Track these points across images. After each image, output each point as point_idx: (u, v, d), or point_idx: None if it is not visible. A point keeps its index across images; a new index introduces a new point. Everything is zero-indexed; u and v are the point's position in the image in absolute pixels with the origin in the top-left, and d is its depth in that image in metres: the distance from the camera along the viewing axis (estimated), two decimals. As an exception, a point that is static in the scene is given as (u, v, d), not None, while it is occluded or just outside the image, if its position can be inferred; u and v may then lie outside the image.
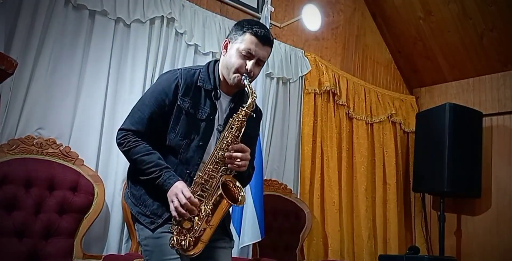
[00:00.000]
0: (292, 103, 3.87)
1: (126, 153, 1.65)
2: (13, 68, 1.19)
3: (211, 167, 1.62)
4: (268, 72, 3.60)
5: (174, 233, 1.56)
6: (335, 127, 4.07)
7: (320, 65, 4.06)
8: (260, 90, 3.24)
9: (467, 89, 4.66)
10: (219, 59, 1.77)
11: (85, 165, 2.59)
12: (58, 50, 2.65)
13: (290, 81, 3.85)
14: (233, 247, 1.83)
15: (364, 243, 4.08)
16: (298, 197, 3.67)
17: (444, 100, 4.67)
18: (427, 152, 4.27)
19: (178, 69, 1.73)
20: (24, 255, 2.24)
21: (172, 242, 1.55)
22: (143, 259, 1.69)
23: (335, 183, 3.94)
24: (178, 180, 1.59)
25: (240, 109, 1.65)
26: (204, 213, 1.58)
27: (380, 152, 4.46)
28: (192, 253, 1.57)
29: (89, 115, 2.71)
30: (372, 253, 4.10)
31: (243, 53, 1.65)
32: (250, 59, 1.66)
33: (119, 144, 1.67)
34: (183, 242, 1.56)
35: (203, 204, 1.59)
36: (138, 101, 1.72)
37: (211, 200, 1.60)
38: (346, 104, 4.21)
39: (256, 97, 1.67)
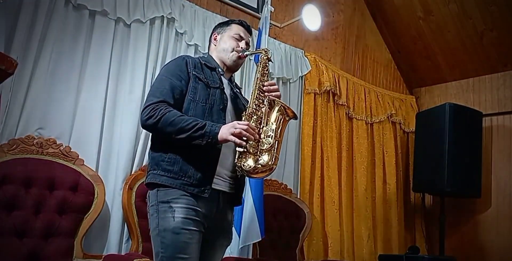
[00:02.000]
0: (292, 103, 3.87)
1: (159, 121, 1.66)
2: (13, 68, 1.19)
3: (254, 98, 1.83)
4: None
5: (243, 161, 1.69)
6: (335, 127, 4.08)
7: (320, 65, 4.07)
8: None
9: (467, 89, 4.66)
10: (208, 54, 2.04)
11: (85, 165, 2.59)
12: (58, 50, 2.65)
13: (290, 81, 3.85)
14: (229, 245, 1.91)
15: (364, 243, 4.08)
16: (298, 197, 3.68)
17: (444, 100, 4.67)
18: (427, 152, 4.27)
19: (181, 55, 1.95)
20: (24, 255, 2.24)
21: (249, 163, 1.69)
22: (154, 248, 1.69)
23: (335, 183, 3.94)
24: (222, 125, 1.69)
25: (261, 58, 1.97)
26: (267, 131, 1.76)
27: (380, 152, 4.46)
28: (267, 173, 1.73)
29: (89, 115, 2.71)
30: (372, 253, 4.10)
31: (235, 37, 1.99)
32: (240, 41, 1.99)
33: (148, 118, 1.68)
34: (258, 164, 1.69)
35: (262, 127, 1.78)
36: (153, 84, 1.84)
37: (270, 120, 1.80)
38: (346, 104, 4.21)
39: (268, 49, 2.03)
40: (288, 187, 3.61)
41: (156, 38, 3.03)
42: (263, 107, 1.84)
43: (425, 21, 4.52)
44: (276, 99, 1.87)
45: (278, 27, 3.86)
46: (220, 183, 1.78)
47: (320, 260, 3.67)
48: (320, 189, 3.84)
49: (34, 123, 2.53)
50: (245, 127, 1.65)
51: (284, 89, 3.83)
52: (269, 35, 3.42)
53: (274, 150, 1.75)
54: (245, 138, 1.65)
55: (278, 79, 3.77)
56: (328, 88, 4.02)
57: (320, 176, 3.86)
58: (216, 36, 2.03)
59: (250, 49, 2.05)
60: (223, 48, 1.98)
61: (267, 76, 1.95)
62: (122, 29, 2.91)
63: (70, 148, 2.59)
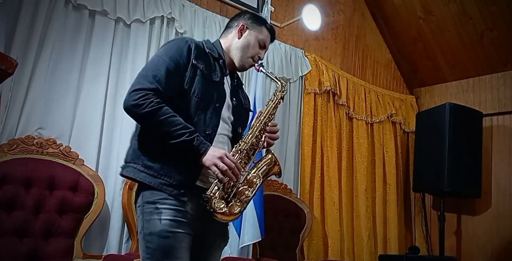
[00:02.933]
0: (292, 103, 3.87)
1: (148, 114, 1.49)
2: (13, 68, 1.19)
3: (252, 137, 1.68)
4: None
5: (213, 197, 1.52)
6: (335, 127, 4.08)
7: (320, 65, 4.07)
8: (260, 90, 3.25)
9: (467, 89, 4.66)
10: (218, 40, 1.85)
11: (85, 165, 2.59)
12: (58, 50, 2.65)
13: (290, 81, 3.85)
14: (226, 245, 1.80)
15: (364, 243, 4.08)
16: (298, 197, 3.67)
17: (444, 100, 4.67)
18: (427, 152, 4.27)
19: (185, 37, 1.79)
20: (24, 255, 2.24)
21: (217, 204, 1.53)
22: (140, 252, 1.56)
23: (335, 183, 3.94)
24: (211, 146, 1.56)
25: (275, 94, 1.81)
26: (253, 178, 1.63)
27: (380, 152, 4.46)
28: (232, 218, 1.59)
29: (89, 115, 2.71)
30: (372, 253, 4.10)
31: (260, 43, 1.79)
32: (262, 49, 1.81)
33: (136, 106, 1.49)
34: (225, 208, 1.55)
35: (246, 169, 1.65)
36: (147, 64, 1.63)
37: (258, 167, 1.69)
38: (346, 104, 4.21)
39: (285, 84, 1.89)
40: (288, 187, 3.61)
41: (156, 38, 3.03)
42: (257, 148, 1.72)
43: (425, 21, 4.52)
44: (271, 150, 1.78)
45: (278, 27, 3.86)
46: (206, 181, 1.61)
47: (320, 260, 3.67)
48: (320, 189, 3.84)
49: (34, 123, 2.53)
50: (232, 165, 1.52)
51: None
52: (269, 35, 3.42)
53: (246, 203, 1.61)
54: (226, 178, 1.52)
55: (274, 116, 3.75)
56: (328, 88, 4.02)
57: (320, 176, 3.86)
58: (243, 28, 1.79)
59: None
60: (243, 48, 1.77)
61: (274, 115, 1.80)
62: (122, 29, 2.91)
63: (70, 148, 2.59)
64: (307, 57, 4.00)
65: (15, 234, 2.25)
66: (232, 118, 1.73)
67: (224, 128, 1.69)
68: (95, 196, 2.53)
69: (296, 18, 3.89)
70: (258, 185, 1.66)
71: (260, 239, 3.01)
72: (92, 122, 2.72)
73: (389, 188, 4.44)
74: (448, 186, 3.98)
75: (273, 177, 3.53)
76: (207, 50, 1.72)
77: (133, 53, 2.92)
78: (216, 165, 1.51)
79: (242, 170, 1.60)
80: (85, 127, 2.70)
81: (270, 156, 1.75)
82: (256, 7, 3.72)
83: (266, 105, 1.80)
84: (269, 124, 1.75)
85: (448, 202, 4.36)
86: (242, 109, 1.80)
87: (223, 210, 1.54)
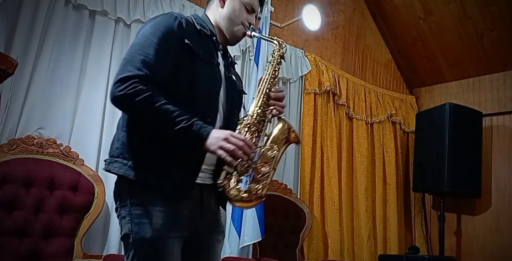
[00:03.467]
0: (292, 103, 3.87)
1: (139, 105, 1.32)
2: (13, 68, 1.19)
3: (258, 108, 1.49)
4: (268, 72, 3.59)
5: (229, 184, 1.38)
6: (335, 127, 4.08)
7: (320, 65, 4.07)
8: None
9: (467, 89, 4.66)
10: (204, 13, 1.67)
11: (85, 165, 2.59)
12: (58, 50, 2.65)
13: (290, 81, 3.85)
14: (224, 237, 1.70)
15: (364, 243, 4.08)
16: (298, 197, 3.68)
17: (444, 100, 4.67)
18: (427, 152, 4.27)
19: (173, 12, 1.53)
20: (24, 255, 2.24)
21: (233, 192, 1.38)
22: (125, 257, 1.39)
23: (335, 183, 3.94)
24: (213, 128, 1.38)
25: (272, 55, 1.61)
26: (269, 151, 1.47)
27: (380, 152, 4.46)
28: (253, 204, 1.45)
29: (89, 115, 2.71)
30: (372, 252, 4.10)
31: (247, 7, 1.61)
32: (251, 14, 1.63)
33: (124, 97, 1.32)
34: (244, 193, 1.40)
35: (259, 145, 1.46)
36: (133, 45, 1.42)
37: (271, 139, 1.50)
38: (346, 104, 4.21)
39: (283, 41, 1.64)
40: (288, 187, 3.61)
41: (156, 38, 3.03)
42: (266, 119, 1.52)
43: (425, 21, 4.52)
44: (283, 116, 1.55)
45: (278, 27, 3.86)
46: (201, 176, 1.46)
47: (320, 260, 3.67)
48: (320, 189, 3.84)
49: (34, 123, 2.53)
50: (241, 143, 1.33)
51: (284, 89, 3.82)
52: (269, 35, 3.42)
53: (268, 180, 1.45)
54: (238, 158, 1.34)
55: (278, 79, 3.76)
56: (328, 88, 4.02)
57: (320, 176, 3.86)
58: None
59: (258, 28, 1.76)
60: (229, 16, 1.59)
61: (277, 78, 1.60)
62: (122, 29, 2.91)
63: (70, 148, 2.59)
64: (307, 57, 4.00)
65: (15, 234, 2.25)
66: (227, 100, 1.56)
67: (222, 113, 1.54)
68: (95, 196, 2.53)
69: (296, 18, 3.89)
70: (277, 158, 1.49)
71: (260, 239, 3.01)
72: (92, 122, 2.72)
73: (389, 188, 4.44)
74: (448, 186, 3.98)
75: (273, 177, 3.57)
76: (198, 27, 1.53)
77: (133, 53, 2.91)
78: (222, 148, 1.32)
79: (254, 146, 1.41)
80: (85, 127, 2.70)
81: (281, 124, 1.53)
82: (256, 7, 3.72)
83: (266, 69, 1.59)
84: (273, 89, 1.55)
85: (448, 202, 4.36)
86: (236, 90, 1.63)
87: (242, 196, 1.40)
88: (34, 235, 2.30)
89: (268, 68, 1.59)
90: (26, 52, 2.51)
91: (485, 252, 4.25)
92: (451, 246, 4.40)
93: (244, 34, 1.62)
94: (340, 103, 4.17)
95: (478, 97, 4.55)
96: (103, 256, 2.51)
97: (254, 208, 2.98)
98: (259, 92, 1.53)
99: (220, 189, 1.39)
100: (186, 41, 1.44)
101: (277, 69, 1.59)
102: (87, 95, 2.73)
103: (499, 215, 4.25)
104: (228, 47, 1.71)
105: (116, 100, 1.36)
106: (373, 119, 4.45)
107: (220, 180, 1.39)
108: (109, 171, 1.44)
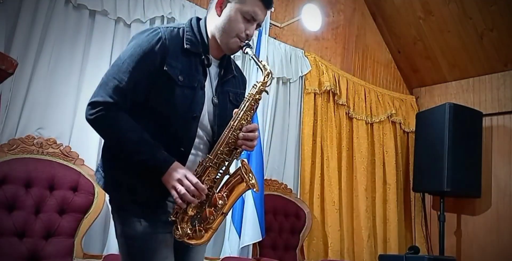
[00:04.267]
0: (292, 103, 3.87)
1: (104, 132, 1.39)
2: (13, 68, 1.19)
3: (222, 149, 1.44)
4: (268, 72, 3.59)
5: (178, 221, 1.40)
6: (335, 127, 4.08)
7: (320, 65, 4.07)
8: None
9: (467, 89, 4.66)
10: (206, 16, 1.56)
11: (85, 165, 2.59)
12: (58, 50, 2.65)
13: (290, 81, 3.85)
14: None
15: (364, 243, 4.08)
16: (298, 197, 3.68)
17: (444, 100, 4.67)
18: (427, 152, 4.27)
19: (159, 28, 1.46)
20: (24, 255, 2.24)
21: (178, 232, 1.39)
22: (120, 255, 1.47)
23: (335, 183, 3.94)
24: (174, 161, 1.38)
25: (254, 86, 1.49)
26: (218, 200, 1.43)
27: (380, 152, 4.46)
28: (202, 241, 1.43)
29: (89, 115, 2.71)
30: (372, 252, 4.10)
31: (245, 16, 1.48)
32: (250, 23, 1.50)
33: (92, 121, 1.38)
34: (190, 232, 1.41)
35: (213, 188, 1.44)
36: (112, 65, 1.43)
37: (224, 184, 1.46)
38: (346, 104, 4.21)
39: (271, 72, 1.51)
40: (288, 187, 3.61)
41: (156, 38, 3.03)
42: (229, 160, 1.47)
43: (425, 21, 4.52)
44: (241, 168, 1.47)
45: (278, 27, 3.86)
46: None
47: (320, 260, 3.67)
48: (320, 189, 3.84)
49: (34, 123, 2.53)
50: (192, 188, 1.34)
51: (284, 89, 3.83)
52: (269, 35, 3.42)
53: (213, 226, 1.44)
54: (187, 201, 1.36)
55: (278, 79, 3.77)
56: (328, 88, 4.02)
57: (320, 176, 3.86)
58: (222, 2, 1.49)
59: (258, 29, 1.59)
60: (224, 26, 1.48)
61: (253, 112, 1.49)
62: (122, 29, 2.91)
63: (70, 148, 2.59)
64: (307, 57, 4.00)
65: (15, 234, 2.25)
66: (216, 119, 1.52)
67: (202, 139, 1.52)
68: (95, 196, 2.53)
69: (296, 18, 3.89)
70: (224, 207, 1.45)
71: (260, 239, 3.01)
72: (92, 122, 2.71)
73: (389, 188, 4.44)
74: (448, 186, 3.98)
75: (273, 177, 3.58)
76: (186, 46, 1.45)
77: (133, 53, 2.91)
78: (174, 188, 1.35)
79: (205, 191, 1.39)
80: (85, 127, 2.66)
81: (238, 172, 1.47)
82: (256, 7, 3.71)
83: (242, 104, 1.47)
84: (244, 129, 1.45)
85: (448, 202, 4.36)
86: (228, 105, 1.56)
87: (188, 235, 1.41)
88: (34, 235, 2.30)
89: (245, 103, 1.47)
90: (26, 52, 2.51)
91: (485, 252, 4.25)
92: (451, 246, 4.40)
93: (239, 48, 1.50)
94: (340, 103, 4.17)
95: (478, 97, 4.55)
96: (103, 256, 2.51)
97: (254, 208, 2.99)
98: (227, 129, 1.45)
99: (174, 227, 1.41)
100: (166, 67, 1.40)
101: (253, 105, 1.48)
102: (87, 95, 2.72)
103: (499, 215, 4.25)
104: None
105: (88, 122, 1.42)
106: (373, 119, 4.45)
107: (171, 216, 1.41)
108: (97, 180, 1.52)
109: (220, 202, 1.44)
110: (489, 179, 4.34)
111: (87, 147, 2.68)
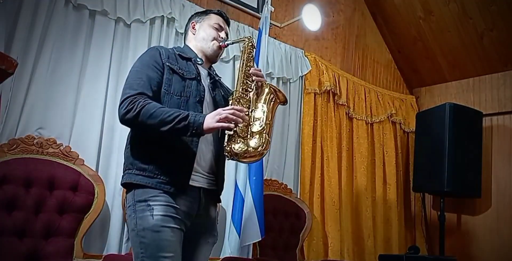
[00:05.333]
0: (292, 103, 3.87)
1: (139, 114, 1.58)
2: (13, 68, 1.19)
3: (241, 82, 1.80)
4: (268, 72, 3.60)
5: (233, 144, 1.65)
6: (335, 127, 4.08)
7: (320, 65, 4.07)
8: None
9: (467, 89, 4.66)
10: (184, 44, 1.98)
11: (85, 165, 2.59)
12: (58, 50, 2.65)
13: (290, 81, 3.85)
14: (215, 242, 1.83)
15: (364, 243, 4.09)
16: (298, 197, 3.68)
17: (444, 100, 4.67)
18: (427, 152, 4.27)
19: (154, 46, 1.90)
20: (24, 255, 2.24)
21: (240, 146, 1.65)
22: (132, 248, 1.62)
23: (335, 183, 3.94)
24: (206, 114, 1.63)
25: (244, 45, 1.93)
26: (259, 111, 1.74)
27: (380, 152, 4.46)
28: (264, 149, 1.68)
29: (89, 115, 2.71)
30: (372, 252, 4.10)
31: (215, 26, 1.94)
32: (220, 31, 1.95)
33: (127, 112, 1.59)
34: (249, 147, 1.66)
35: (251, 109, 1.75)
36: (129, 76, 1.73)
37: (259, 102, 1.78)
38: (346, 104, 4.21)
39: (249, 36, 2.01)
40: (288, 187, 3.61)
41: (156, 38, 3.03)
42: (251, 91, 1.81)
43: (425, 21, 4.52)
44: (266, 81, 1.86)
45: (278, 27, 3.86)
46: (199, 180, 1.71)
47: (320, 260, 3.67)
48: (320, 189, 3.84)
49: (34, 123, 2.53)
50: (231, 111, 1.59)
51: (284, 89, 3.83)
52: (269, 35, 3.42)
53: (265, 133, 1.70)
54: (233, 122, 1.60)
55: (278, 79, 3.77)
56: (328, 88, 4.02)
57: (320, 176, 3.86)
58: (194, 25, 1.97)
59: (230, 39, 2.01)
60: (203, 37, 1.92)
61: (252, 62, 1.92)
62: (122, 29, 2.91)
63: (70, 148, 2.59)
64: (307, 57, 4.00)
65: (15, 234, 2.25)
66: (214, 106, 1.81)
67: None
68: (95, 196, 2.53)
69: (296, 18, 3.89)
70: (267, 114, 1.75)
71: (260, 239, 3.01)
72: (92, 122, 2.72)
73: (389, 188, 4.44)
74: (448, 186, 3.98)
75: (273, 177, 3.58)
76: (177, 53, 1.84)
77: (133, 53, 2.91)
78: (218, 120, 1.57)
79: (245, 109, 1.67)
80: (85, 127, 2.70)
81: (267, 88, 1.83)
82: (256, 7, 3.72)
83: (240, 55, 1.95)
84: (251, 70, 1.84)
85: (448, 202, 4.36)
86: (223, 102, 1.85)
87: (243, 150, 1.65)
88: (34, 235, 2.30)
89: (243, 54, 1.91)
90: (26, 52, 2.51)
91: (485, 252, 4.25)
92: (451, 246, 4.40)
93: (220, 47, 1.92)
94: (340, 103, 4.17)
95: (478, 97, 4.55)
96: (103, 256, 2.51)
97: (254, 208, 2.99)
98: (239, 73, 1.85)
99: (228, 152, 1.65)
100: (167, 63, 1.75)
101: (251, 53, 1.92)
102: (87, 95, 2.73)
103: (499, 215, 4.25)
104: (227, 51, 1.98)
105: (123, 118, 1.62)
106: (373, 119, 4.45)
107: (225, 143, 1.65)
108: (122, 185, 1.71)
109: (261, 111, 1.75)
110: (489, 179, 4.34)
111: (87, 147, 2.68)
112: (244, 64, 1.87)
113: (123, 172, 1.70)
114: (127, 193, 1.68)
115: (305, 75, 3.94)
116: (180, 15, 3.14)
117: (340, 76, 4.24)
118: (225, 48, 2.01)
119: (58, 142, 2.56)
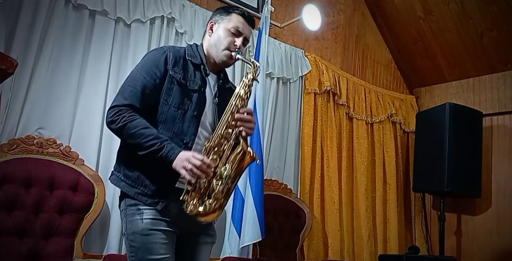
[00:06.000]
0: (292, 103, 3.87)
1: (121, 129, 1.57)
2: (13, 68, 1.19)
3: (222, 130, 1.64)
4: (268, 72, 3.60)
5: (189, 199, 1.56)
6: (335, 127, 4.08)
7: (320, 65, 4.07)
8: (260, 90, 3.24)
9: (467, 89, 4.66)
10: (201, 42, 1.84)
11: (85, 165, 2.59)
12: (58, 50, 2.65)
13: (290, 81, 3.85)
14: (215, 242, 1.82)
15: (364, 243, 4.08)
16: (298, 197, 3.68)
17: (444, 100, 4.67)
18: (427, 152, 4.27)
19: (164, 46, 1.77)
20: (24, 255, 2.24)
21: (189, 207, 1.56)
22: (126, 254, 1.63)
23: (335, 183, 3.94)
24: (182, 150, 1.57)
25: (246, 75, 1.72)
26: (222, 172, 1.61)
27: (380, 152, 4.46)
28: (211, 218, 1.60)
29: (89, 115, 2.71)
30: (372, 252, 4.10)
31: (231, 31, 1.75)
32: (238, 37, 1.76)
33: (111, 122, 1.57)
34: (200, 208, 1.57)
35: (218, 165, 1.61)
36: (127, 78, 1.67)
37: (229, 159, 1.63)
38: (346, 104, 4.21)
39: (259, 65, 1.75)
40: (288, 187, 3.61)
41: (156, 38, 3.03)
42: (229, 140, 1.65)
43: (425, 21, 4.52)
44: (242, 141, 1.66)
45: (278, 27, 3.86)
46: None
47: (320, 260, 3.67)
48: (320, 189, 3.84)
49: (34, 123, 2.53)
50: (198, 163, 1.51)
51: (284, 89, 3.83)
52: (269, 35, 3.42)
53: (222, 198, 1.61)
54: (195, 176, 1.52)
55: (278, 79, 3.77)
56: (328, 88, 4.02)
57: (320, 176, 3.86)
58: (212, 25, 1.81)
59: (247, 43, 1.84)
60: (216, 42, 1.76)
61: (247, 99, 1.71)
62: (122, 29, 2.91)
63: (70, 148, 2.59)
64: (307, 57, 4.00)
65: (15, 234, 2.25)
66: (216, 118, 1.73)
67: (203, 135, 1.70)
68: (95, 196, 2.53)
69: (296, 18, 3.89)
70: (230, 177, 1.62)
71: (260, 239, 3.01)
72: (92, 122, 2.72)
73: (389, 188, 4.44)
74: (448, 186, 3.98)
75: (273, 177, 3.58)
76: (187, 58, 1.73)
77: (133, 53, 2.91)
78: (184, 167, 1.52)
79: (212, 165, 1.57)
80: (85, 127, 2.70)
81: (240, 148, 1.65)
82: (256, 7, 3.72)
83: (235, 91, 1.70)
84: (241, 110, 1.66)
85: (448, 202, 4.36)
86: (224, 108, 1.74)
87: (199, 211, 1.58)
88: (34, 235, 2.30)
89: (238, 90, 1.69)
90: (26, 52, 2.51)
91: (485, 252, 4.25)
92: (451, 246, 4.40)
93: (231, 58, 1.75)
94: (340, 103, 4.17)
95: (478, 97, 4.55)
96: (103, 256, 2.51)
97: (254, 208, 2.99)
98: (225, 114, 1.66)
99: (184, 206, 1.58)
100: (170, 72, 1.66)
101: (247, 91, 1.69)
102: (87, 95, 2.73)
103: (499, 215, 4.25)
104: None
105: (108, 125, 1.61)
106: (373, 119, 4.45)
107: (182, 196, 1.57)
108: (111, 181, 1.71)
109: (225, 172, 1.60)
110: (489, 179, 4.34)
111: (87, 147, 2.68)
112: (237, 100, 1.67)
113: (113, 170, 1.71)
114: (120, 197, 1.68)
115: (305, 75, 3.94)
116: (180, 15, 3.14)
117: (340, 76, 4.24)
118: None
119: (58, 142, 2.56)
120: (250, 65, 1.74)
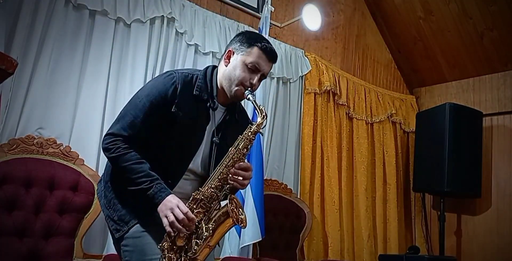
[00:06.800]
0: (292, 103, 3.87)
1: (114, 160, 1.55)
2: (13, 68, 1.19)
3: (214, 183, 1.55)
4: (268, 72, 3.60)
5: (166, 250, 1.46)
6: (335, 127, 4.08)
7: (320, 65, 4.07)
8: (260, 90, 3.24)
9: (467, 89, 4.66)
10: (217, 65, 1.73)
11: (85, 165, 2.59)
12: (58, 50, 2.65)
13: (290, 81, 3.85)
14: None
15: (364, 243, 4.08)
16: (298, 197, 3.67)
17: (444, 100, 4.68)
18: (427, 152, 4.27)
19: (175, 72, 1.64)
20: (24, 255, 2.24)
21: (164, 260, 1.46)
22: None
23: (335, 183, 3.94)
24: (170, 193, 1.51)
25: (249, 127, 1.61)
26: (203, 231, 1.49)
27: (380, 152, 4.46)
28: None
29: (89, 115, 2.71)
30: (372, 252, 4.10)
31: (249, 66, 1.62)
32: (254, 73, 1.63)
33: (106, 149, 1.55)
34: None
35: (202, 221, 1.52)
36: (130, 102, 1.61)
37: (212, 218, 1.53)
38: (346, 104, 4.21)
39: (267, 116, 1.64)
40: (288, 187, 3.61)
41: (156, 38, 3.03)
42: (220, 194, 1.56)
43: (425, 21, 4.52)
44: (233, 196, 1.57)
45: (278, 27, 3.86)
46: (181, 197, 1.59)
47: (320, 260, 3.67)
48: (320, 189, 3.84)
49: (34, 123, 2.53)
50: (181, 217, 1.44)
51: (284, 89, 3.83)
52: (269, 35, 3.42)
53: (200, 259, 1.50)
54: (175, 229, 1.45)
55: (278, 79, 3.77)
56: (328, 88, 4.02)
57: (320, 176, 3.86)
58: (230, 54, 1.67)
59: (263, 79, 1.71)
60: (230, 76, 1.63)
61: (247, 151, 1.60)
62: (122, 29, 2.91)
63: (70, 148, 2.59)
64: (307, 57, 4.00)
65: (15, 234, 2.25)
66: (213, 158, 1.66)
67: (192, 172, 1.66)
68: (95, 196, 2.53)
69: (296, 18, 3.89)
70: (209, 239, 1.51)
71: (260, 239, 3.01)
72: (92, 122, 2.72)
73: (389, 188, 4.44)
74: (448, 186, 3.98)
75: (273, 177, 3.58)
76: (195, 92, 1.62)
77: (133, 53, 2.92)
78: (165, 216, 1.46)
79: (194, 221, 1.48)
80: (85, 127, 2.70)
81: (225, 208, 1.55)
82: (256, 7, 3.72)
83: (236, 142, 1.60)
84: (236, 165, 1.57)
85: (448, 202, 4.36)
86: (225, 147, 1.64)
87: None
88: (34, 235, 2.30)
89: (239, 142, 1.59)
90: (26, 52, 2.51)
91: (485, 252, 4.25)
92: (451, 246, 4.40)
93: (243, 95, 1.63)
94: (340, 103, 4.17)
95: (478, 97, 4.55)
96: (103, 256, 2.51)
97: (254, 208, 2.99)
98: (219, 166, 1.58)
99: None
100: (174, 109, 1.57)
101: (247, 145, 1.59)
102: (87, 95, 2.73)
103: (499, 215, 4.25)
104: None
105: (103, 149, 1.58)
106: (373, 119, 4.45)
107: (160, 244, 1.48)
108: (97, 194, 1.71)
109: (206, 233, 1.49)
110: (489, 179, 4.34)
111: (87, 147, 2.68)
112: (237, 152, 1.58)
113: (102, 177, 1.68)
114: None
115: (305, 75, 3.94)
116: (180, 15, 3.14)
117: (340, 76, 4.24)
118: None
119: (58, 142, 2.56)
120: (258, 112, 1.61)
